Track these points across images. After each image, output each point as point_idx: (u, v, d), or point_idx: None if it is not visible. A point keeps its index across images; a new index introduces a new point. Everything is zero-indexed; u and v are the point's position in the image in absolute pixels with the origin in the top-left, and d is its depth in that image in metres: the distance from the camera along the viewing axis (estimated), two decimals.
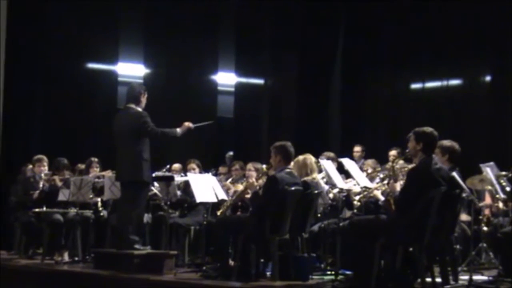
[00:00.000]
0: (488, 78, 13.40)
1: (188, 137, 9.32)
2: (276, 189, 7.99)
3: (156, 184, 10.10)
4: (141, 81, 14.17)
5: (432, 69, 14.02)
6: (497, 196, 8.70)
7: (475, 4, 12.79)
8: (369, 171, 9.51)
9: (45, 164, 10.90)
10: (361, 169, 9.38)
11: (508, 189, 8.45)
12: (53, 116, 13.93)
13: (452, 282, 7.58)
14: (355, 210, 9.35)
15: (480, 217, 9.26)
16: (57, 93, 13.94)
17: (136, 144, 8.94)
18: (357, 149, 12.03)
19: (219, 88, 15.92)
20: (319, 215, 9.40)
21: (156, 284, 8.26)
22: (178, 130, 9.16)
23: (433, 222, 6.93)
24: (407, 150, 7.46)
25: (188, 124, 9.23)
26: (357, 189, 9.05)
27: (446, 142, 8.32)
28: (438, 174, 7.08)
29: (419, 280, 7.08)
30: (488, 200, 9.55)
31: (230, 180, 10.66)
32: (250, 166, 10.17)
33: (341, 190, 8.81)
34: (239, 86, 15.98)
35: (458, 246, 8.78)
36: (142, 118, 8.97)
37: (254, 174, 9.63)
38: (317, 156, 9.54)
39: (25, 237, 10.89)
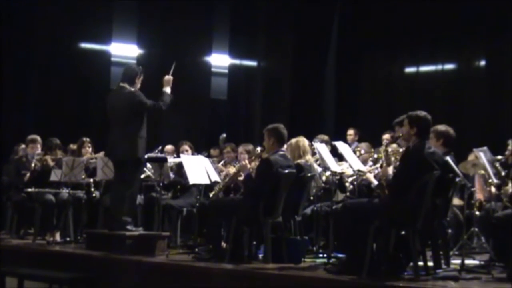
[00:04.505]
0: (482, 63, 13.39)
1: (181, 119, 9.26)
2: (270, 172, 7.97)
3: (148, 165, 10.06)
4: (134, 61, 14.08)
5: (427, 53, 13.99)
6: (490, 181, 8.68)
7: None
8: (362, 152, 9.50)
9: (39, 145, 10.81)
10: (354, 152, 9.35)
11: (503, 173, 8.43)
12: (46, 95, 13.87)
13: (444, 266, 7.60)
14: (348, 193, 9.36)
15: (473, 201, 9.25)
16: (50, 73, 13.87)
17: (131, 123, 8.86)
18: (350, 132, 12.03)
19: (213, 69, 15.85)
20: (312, 198, 9.39)
21: (148, 265, 8.23)
22: (166, 89, 9.09)
23: (426, 207, 6.91)
24: (400, 134, 7.43)
25: (167, 78, 9.16)
26: (350, 172, 9.05)
27: (441, 127, 8.32)
28: (432, 158, 7.05)
29: (411, 263, 7.07)
30: (478, 184, 9.52)
31: (222, 162, 10.63)
32: (241, 149, 10.15)
33: (334, 173, 8.80)
34: (232, 68, 15.92)
35: (450, 231, 8.78)
36: (137, 97, 8.89)
37: (246, 156, 9.61)
38: (311, 138, 9.52)
39: (17, 217, 10.83)
